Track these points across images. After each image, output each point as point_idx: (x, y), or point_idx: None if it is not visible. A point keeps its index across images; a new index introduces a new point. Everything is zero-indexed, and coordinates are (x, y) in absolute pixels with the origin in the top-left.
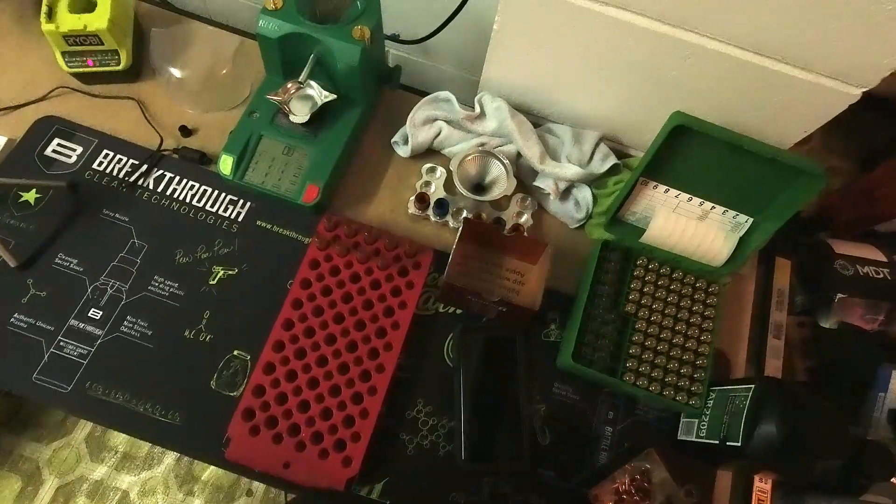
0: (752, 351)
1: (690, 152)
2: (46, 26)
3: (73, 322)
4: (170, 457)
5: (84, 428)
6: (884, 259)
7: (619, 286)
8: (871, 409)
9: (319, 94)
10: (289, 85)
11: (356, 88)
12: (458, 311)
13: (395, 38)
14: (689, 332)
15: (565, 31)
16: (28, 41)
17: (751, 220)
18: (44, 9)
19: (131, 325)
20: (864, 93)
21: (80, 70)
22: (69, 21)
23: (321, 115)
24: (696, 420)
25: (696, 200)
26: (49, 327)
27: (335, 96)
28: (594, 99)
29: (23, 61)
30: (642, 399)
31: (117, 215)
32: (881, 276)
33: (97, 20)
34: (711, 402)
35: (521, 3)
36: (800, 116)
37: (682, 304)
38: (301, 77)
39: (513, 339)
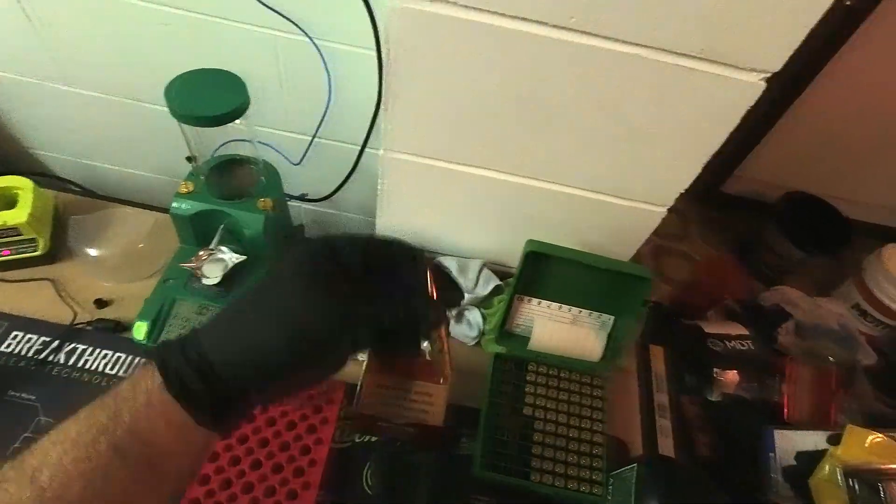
0: (645, 434)
1: (550, 270)
2: None
3: None
4: None
5: None
6: (746, 332)
7: (517, 393)
8: (768, 471)
9: (230, 257)
10: (201, 252)
11: (263, 249)
12: (374, 439)
13: (302, 198)
14: (582, 425)
15: (436, 186)
16: None
17: (612, 317)
18: None
19: None
20: (725, 193)
21: None
22: None
23: (233, 275)
24: None
25: (566, 307)
26: None
27: (245, 257)
28: (472, 234)
29: None
30: (554, 496)
31: (23, 395)
32: (746, 347)
33: (17, 216)
34: (612, 487)
35: (397, 168)
36: (630, 231)
37: (572, 399)
38: (212, 245)
39: (428, 458)
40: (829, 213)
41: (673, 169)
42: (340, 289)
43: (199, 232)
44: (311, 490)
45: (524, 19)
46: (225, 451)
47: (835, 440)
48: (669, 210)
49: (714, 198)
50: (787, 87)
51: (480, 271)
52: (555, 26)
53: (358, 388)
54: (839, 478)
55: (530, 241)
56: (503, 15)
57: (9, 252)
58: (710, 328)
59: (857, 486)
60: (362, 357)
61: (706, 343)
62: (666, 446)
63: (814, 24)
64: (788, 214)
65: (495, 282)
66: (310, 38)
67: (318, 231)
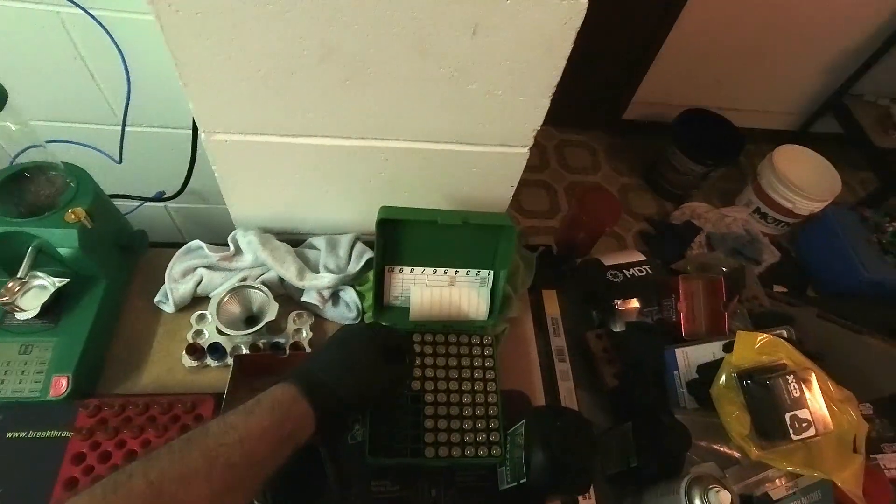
0: (546, 382)
1: (411, 234)
2: None
3: None
4: None
5: None
6: (643, 258)
7: (402, 356)
8: (675, 388)
9: (50, 282)
10: (10, 284)
11: (92, 266)
12: None
13: (159, 198)
14: (475, 388)
15: (276, 163)
16: None
17: (491, 272)
18: None
19: None
20: (626, 120)
21: None
22: None
23: (59, 302)
24: (504, 468)
25: (440, 270)
26: None
27: (68, 279)
28: (334, 208)
29: None
30: (452, 466)
31: None
32: (644, 273)
33: None
34: (508, 446)
35: (228, 152)
36: (499, 176)
37: (463, 364)
38: (21, 273)
39: (317, 452)
40: (722, 126)
41: (519, 106)
42: (394, 358)
43: (3, 259)
44: None
45: None
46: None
47: (729, 348)
48: (577, 146)
49: (617, 125)
50: (665, 8)
51: (352, 246)
52: None
53: (223, 399)
54: (734, 382)
55: (382, 209)
56: None
57: None
58: (608, 260)
59: (750, 387)
60: (229, 361)
61: (606, 276)
62: (566, 389)
63: None
64: (685, 132)
65: (368, 254)
66: (83, 9)
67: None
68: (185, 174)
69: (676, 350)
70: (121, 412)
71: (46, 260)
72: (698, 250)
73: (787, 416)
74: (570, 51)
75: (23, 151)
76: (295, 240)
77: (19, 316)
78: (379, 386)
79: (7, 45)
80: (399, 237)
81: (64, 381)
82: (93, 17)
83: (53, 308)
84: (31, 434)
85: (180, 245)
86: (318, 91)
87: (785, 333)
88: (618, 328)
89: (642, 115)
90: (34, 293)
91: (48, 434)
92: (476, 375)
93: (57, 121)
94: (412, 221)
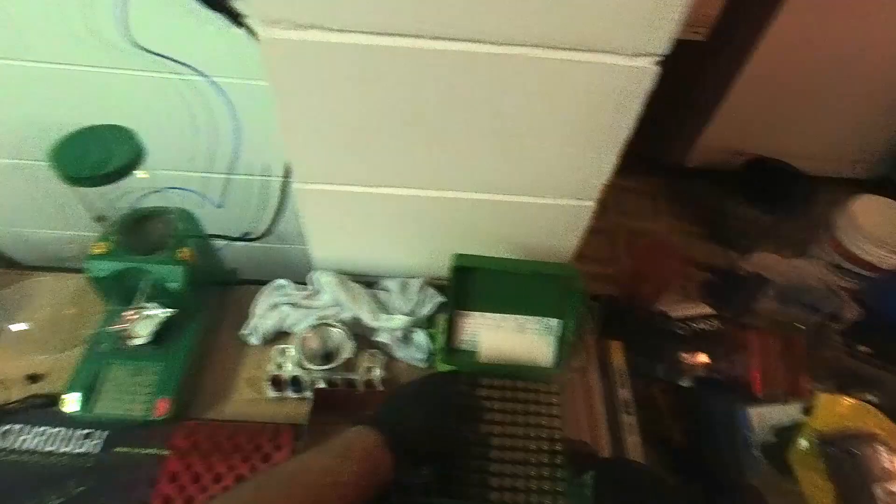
0: (612, 434)
1: (483, 281)
2: None
3: None
4: None
5: None
6: (711, 311)
7: (472, 410)
8: (748, 450)
9: (159, 312)
10: (126, 313)
11: (192, 300)
12: None
13: (245, 238)
14: (541, 435)
15: (356, 211)
16: None
17: (558, 320)
18: None
19: None
20: (688, 167)
21: None
22: None
23: (164, 331)
24: None
25: (510, 317)
26: None
27: (172, 311)
28: (406, 253)
29: None
30: None
31: None
32: (713, 326)
33: None
34: (574, 496)
35: (314, 199)
36: (563, 228)
37: (530, 410)
38: (136, 303)
39: (382, 491)
40: (791, 174)
41: (587, 163)
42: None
43: (121, 291)
44: None
45: (399, 35)
46: (191, 482)
47: (809, 411)
48: (637, 193)
49: (678, 172)
50: (734, 54)
51: (421, 290)
52: (433, 38)
53: (305, 428)
54: (816, 448)
55: (455, 256)
56: (375, 33)
57: None
58: (674, 311)
59: (834, 454)
60: (308, 395)
61: (671, 328)
62: (633, 443)
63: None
64: (752, 180)
65: (438, 298)
66: (207, 76)
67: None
68: (271, 217)
69: (750, 410)
70: (210, 436)
71: (156, 293)
72: (767, 304)
73: (877, 488)
74: (639, 111)
75: (144, 196)
76: (367, 281)
77: (135, 342)
78: (453, 442)
79: (140, 107)
80: (471, 283)
81: (166, 403)
82: (214, 83)
83: (160, 336)
84: (135, 450)
85: (264, 282)
86: (402, 148)
87: (873, 398)
88: (685, 383)
89: (706, 161)
90: (144, 323)
91: (148, 451)
92: (542, 423)
93: (164, 169)
94: (484, 269)
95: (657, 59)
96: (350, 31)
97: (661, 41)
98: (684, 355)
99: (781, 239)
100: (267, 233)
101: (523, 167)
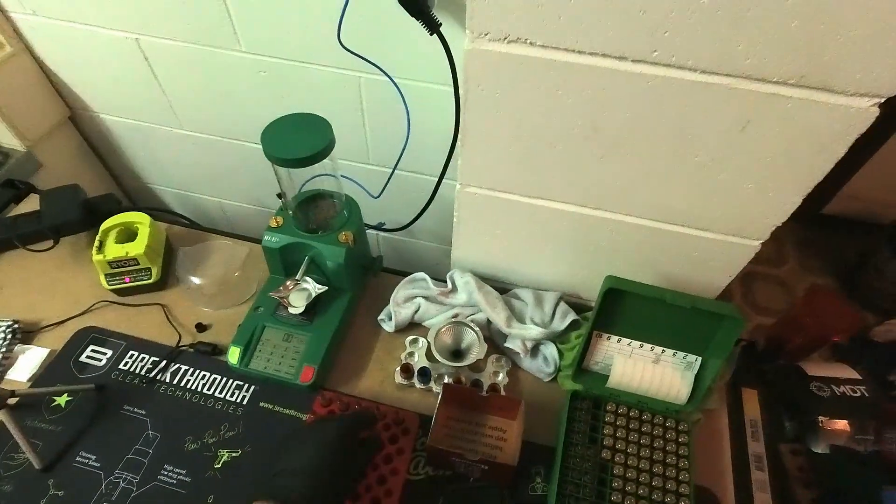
0: (739, 486)
1: (630, 307)
2: (96, 257)
3: None
4: None
5: None
6: (858, 377)
7: (594, 433)
8: None
9: (314, 287)
10: (288, 283)
11: (344, 280)
12: (449, 473)
13: (380, 228)
14: (667, 473)
15: (510, 219)
16: (79, 268)
17: (699, 358)
18: (96, 243)
19: None
20: (827, 215)
21: (119, 286)
22: (115, 251)
23: (315, 305)
24: None
25: (647, 346)
26: None
27: (326, 288)
28: (548, 266)
29: (72, 284)
30: None
31: (136, 410)
32: (858, 393)
33: (136, 248)
34: None
35: (471, 202)
36: (719, 265)
37: (655, 444)
38: (298, 275)
39: (499, 496)
40: None
41: (767, 201)
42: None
43: (286, 263)
44: None
45: (603, 55)
46: None
47: None
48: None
49: (815, 218)
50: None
51: (557, 304)
52: (635, 61)
53: (433, 420)
54: None
55: (609, 278)
56: (581, 52)
57: (129, 280)
58: (813, 370)
59: None
60: (437, 389)
61: (809, 387)
62: (762, 501)
63: None
64: None
65: (573, 316)
66: (390, 77)
67: (397, 260)
68: (414, 212)
69: None
70: (345, 408)
71: (314, 269)
72: None
73: None
74: (844, 153)
75: (315, 178)
76: (500, 288)
77: (290, 310)
78: (354, 479)
79: (330, 100)
80: (615, 306)
81: (311, 371)
82: (396, 84)
83: (311, 309)
84: (278, 408)
85: (404, 273)
86: (573, 163)
87: None
88: (819, 449)
89: (848, 210)
90: (300, 294)
91: (290, 412)
92: (668, 460)
93: (340, 158)
94: (636, 295)
95: (879, 101)
96: (554, 48)
97: (891, 84)
98: (823, 419)
99: None
100: (406, 227)
101: (698, 198)
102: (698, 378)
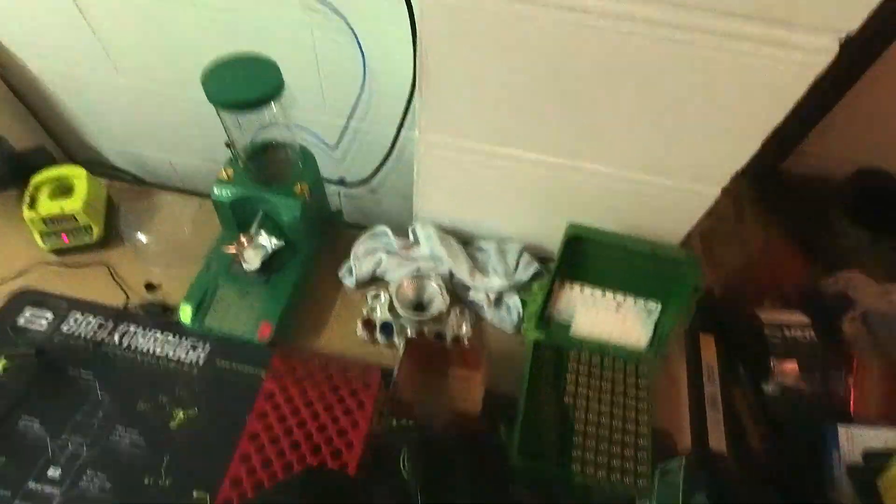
0: (695, 427)
1: (592, 255)
2: (28, 213)
3: (30, 484)
4: None
5: None
6: (807, 321)
7: (556, 381)
8: (831, 469)
9: (269, 242)
10: (242, 238)
11: (301, 234)
12: (411, 423)
13: (341, 182)
14: (626, 415)
15: (473, 169)
16: (10, 227)
17: (659, 305)
18: (26, 199)
19: (90, 479)
20: (784, 171)
21: (57, 246)
22: (49, 207)
23: (272, 261)
24: (647, 501)
25: (609, 294)
26: (5, 492)
27: (283, 243)
28: (510, 218)
29: (4, 244)
30: (592, 485)
31: (83, 372)
32: (808, 337)
33: (73, 204)
34: (657, 480)
35: (433, 153)
36: (679, 213)
37: (616, 389)
38: (252, 230)
39: (462, 445)
40: None
41: (726, 147)
42: None
43: (239, 217)
44: (348, 471)
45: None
46: (265, 430)
47: None
48: (722, 191)
49: (772, 176)
50: (860, 49)
51: (520, 255)
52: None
53: (395, 372)
54: None
55: (571, 226)
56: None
57: (68, 239)
58: (767, 316)
59: None
60: (400, 343)
61: (763, 332)
62: (716, 440)
63: None
64: (856, 193)
65: (536, 267)
66: (345, 19)
67: (361, 218)
68: (374, 167)
69: (841, 428)
70: (305, 364)
71: (269, 224)
72: (850, 327)
73: None
74: (801, 96)
75: (266, 127)
76: (463, 240)
77: (245, 266)
78: None
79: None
80: (578, 255)
81: (269, 328)
82: (351, 28)
83: (267, 265)
84: (236, 366)
85: (364, 227)
86: (534, 110)
87: None
88: (770, 390)
89: (804, 167)
90: (255, 250)
91: (247, 370)
92: (629, 403)
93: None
94: (597, 242)
95: (839, 37)
96: None
97: (854, 15)
98: (774, 361)
99: (878, 262)
100: (365, 181)
101: (660, 145)
102: (658, 325)
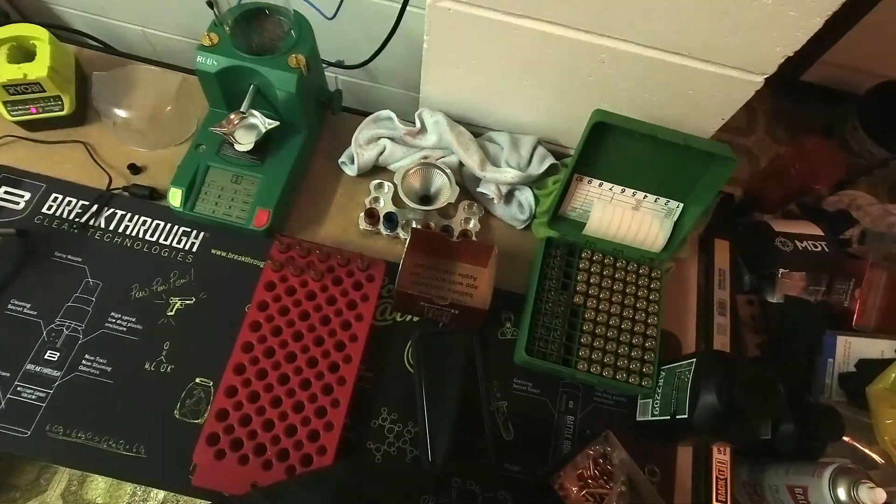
0: (701, 330)
1: (616, 146)
2: None
3: (29, 366)
4: (153, 502)
5: (59, 483)
6: (820, 233)
7: (567, 280)
8: (823, 375)
9: (263, 122)
10: (232, 116)
11: (298, 114)
12: (416, 319)
13: (339, 65)
14: (636, 317)
15: (489, 45)
16: None
17: (681, 205)
18: None
19: (90, 363)
20: (804, 83)
21: (24, 118)
22: (8, 72)
23: (266, 143)
24: (650, 400)
25: (629, 191)
26: (4, 373)
27: (277, 123)
28: (526, 105)
29: None
30: (598, 385)
31: (69, 257)
32: (819, 249)
33: (37, 69)
34: (662, 381)
35: (445, 22)
36: (714, 105)
37: (627, 290)
38: (243, 107)
39: (469, 340)
40: None
41: (781, 24)
42: None
43: (227, 92)
44: (352, 364)
45: None
46: (266, 321)
47: None
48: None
49: (791, 86)
50: None
51: (535, 148)
52: None
53: (400, 265)
54: None
55: (598, 111)
56: None
57: (35, 110)
58: (779, 226)
59: None
60: (405, 236)
61: (774, 242)
62: (721, 343)
63: None
64: (875, 108)
65: (551, 160)
66: None
67: (358, 105)
68: (376, 47)
69: (839, 336)
70: (306, 255)
71: (263, 102)
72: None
73: None
74: None
75: None
76: (474, 131)
77: (237, 147)
78: None
79: None
80: (601, 146)
81: (266, 215)
82: None
83: (262, 147)
84: (232, 255)
85: (367, 113)
86: None
87: None
88: (774, 299)
89: (826, 78)
90: (247, 130)
91: (246, 259)
92: (639, 305)
93: None
94: (624, 131)
95: None
96: None
97: None
98: (783, 271)
99: (884, 180)
100: (365, 63)
101: (703, 18)
102: (676, 226)
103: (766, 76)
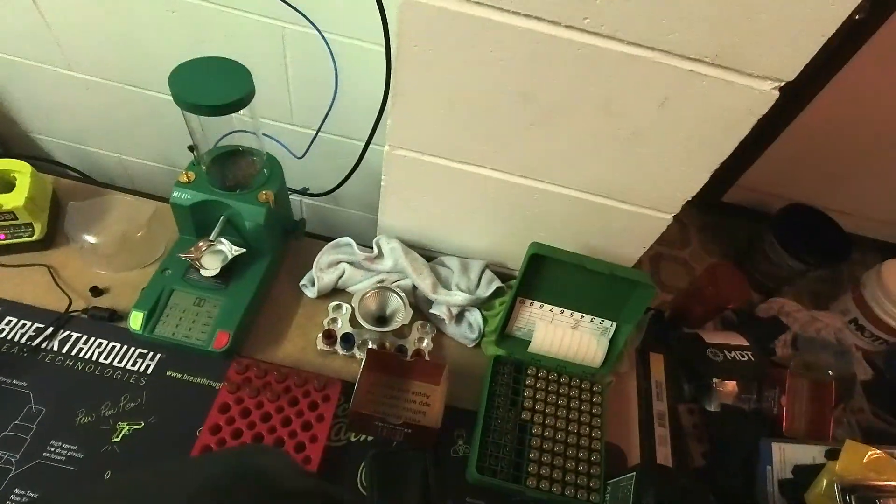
0: (644, 442)
1: (552, 273)
2: None
3: None
4: None
5: None
6: (746, 343)
7: (515, 396)
8: (764, 482)
9: (230, 249)
10: (200, 243)
11: (263, 242)
12: (369, 439)
13: (304, 192)
14: (581, 431)
15: (439, 185)
16: None
17: (614, 324)
18: None
19: (18, 498)
20: (725, 202)
21: None
22: None
23: (231, 268)
24: None
25: (567, 312)
26: None
27: (244, 250)
28: (474, 234)
29: None
30: (549, 502)
31: (14, 381)
32: (745, 358)
33: (14, 200)
34: (608, 495)
35: (400, 166)
36: (635, 236)
37: (571, 405)
38: (212, 236)
39: (422, 459)
40: (829, 226)
41: (680, 176)
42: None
43: (198, 222)
44: None
45: (537, 18)
46: (218, 445)
47: (833, 455)
48: (673, 218)
49: (715, 206)
50: (792, 97)
51: (482, 272)
52: (567, 26)
53: (356, 385)
54: (836, 493)
55: (534, 244)
56: (516, 13)
57: (4, 236)
58: (710, 338)
59: (853, 502)
60: (360, 356)
61: (706, 353)
62: (663, 455)
63: (830, 33)
64: (788, 225)
65: (497, 283)
66: (318, 30)
67: (322, 229)
68: (340, 178)
69: (774, 444)
70: (263, 376)
71: (230, 230)
72: (782, 350)
73: None
74: (746, 134)
75: (232, 133)
76: (427, 256)
77: (202, 272)
78: None
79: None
80: (539, 273)
81: (226, 337)
82: (324, 38)
83: (226, 272)
84: (188, 377)
85: (327, 238)
86: (503, 130)
87: None
88: (712, 407)
89: (743, 199)
90: (214, 256)
91: (202, 381)
92: (583, 419)
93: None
94: (558, 261)
95: (779, 84)
96: (494, 7)
97: (790, 67)
98: (716, 380)
99: (807, 288)
100: (330, 192)
101: (620, 171)
102: (612, 343)
103: (672, 214)
